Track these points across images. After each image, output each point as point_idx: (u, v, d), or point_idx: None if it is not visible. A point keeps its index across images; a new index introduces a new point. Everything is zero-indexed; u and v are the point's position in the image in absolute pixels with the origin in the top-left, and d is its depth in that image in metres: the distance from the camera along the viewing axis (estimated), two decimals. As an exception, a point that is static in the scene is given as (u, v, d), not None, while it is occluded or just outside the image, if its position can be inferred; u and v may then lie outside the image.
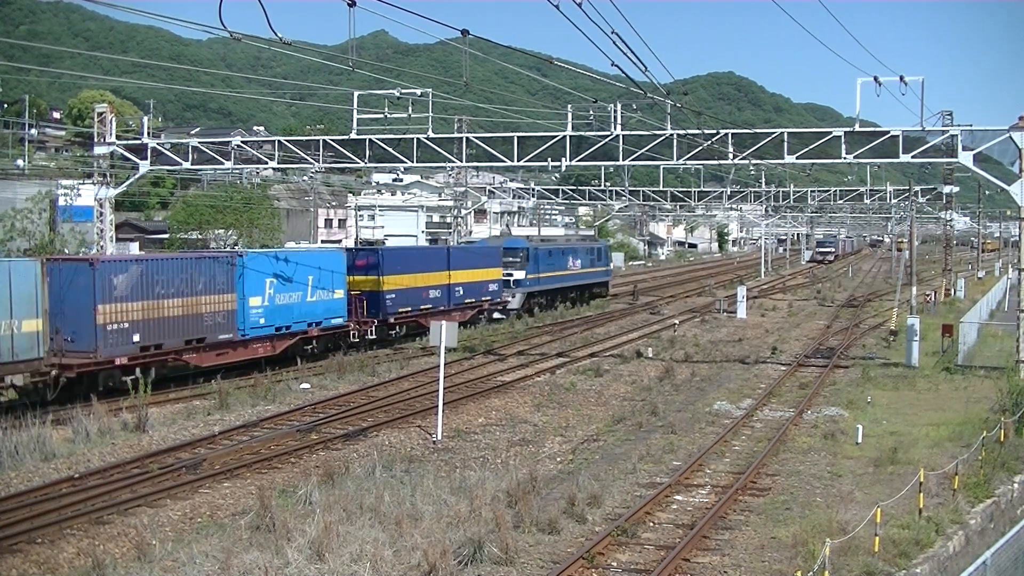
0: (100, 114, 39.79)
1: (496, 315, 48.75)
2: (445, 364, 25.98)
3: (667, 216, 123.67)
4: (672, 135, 33.19)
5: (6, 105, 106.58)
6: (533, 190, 76.93)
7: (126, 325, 27.45)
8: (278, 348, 33.76)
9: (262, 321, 32.69)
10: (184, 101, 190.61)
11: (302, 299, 34.46)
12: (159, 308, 28.53)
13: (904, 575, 14.45)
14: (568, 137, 33.87)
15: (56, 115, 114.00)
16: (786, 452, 22.38)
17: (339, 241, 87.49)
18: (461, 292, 44.54)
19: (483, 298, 46.82)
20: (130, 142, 40.73)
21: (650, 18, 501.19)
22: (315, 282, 35.05)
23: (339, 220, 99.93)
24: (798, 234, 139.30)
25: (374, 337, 38.44)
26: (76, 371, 26.42)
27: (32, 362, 25.00)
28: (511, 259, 50.24)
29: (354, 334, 37.47)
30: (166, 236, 70.52)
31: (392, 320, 39.75)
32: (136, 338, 27.81)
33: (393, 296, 39.52)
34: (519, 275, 50.70)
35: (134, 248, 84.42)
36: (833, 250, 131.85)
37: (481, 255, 47.77)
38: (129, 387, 26.86)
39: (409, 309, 40.74)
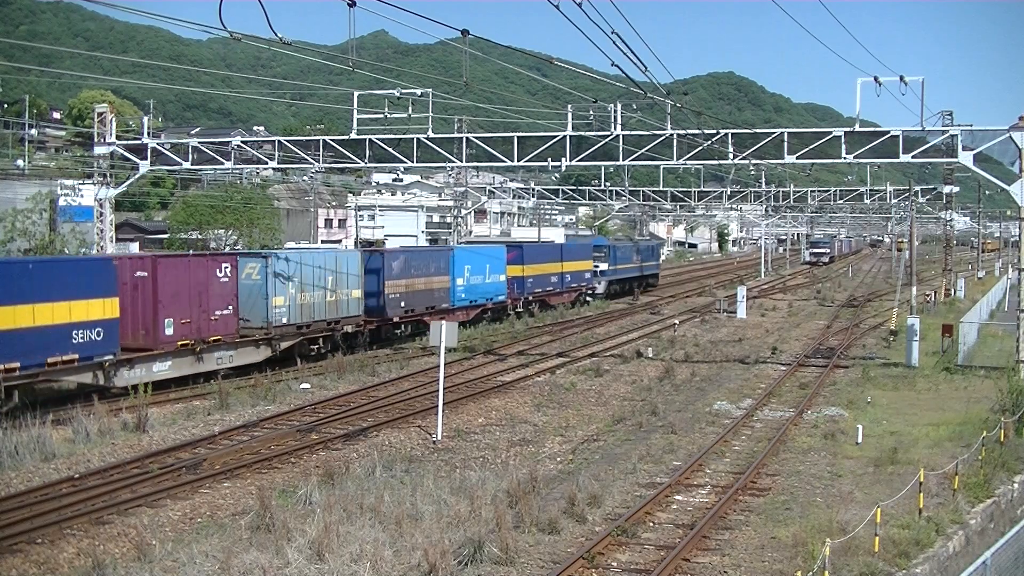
0: (100, 114, 39.76)
1: (588, 298, 61.10)
2: (445, 364, 25.99)
3: (667, 216, 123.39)
4: (672, 135, 33.16)
5: (6, 105, 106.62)
6: (533, 190, 76.89)
7: (397, 295, 40.17)
8: (471, 315, 46.14)
9: (463, 295, 45.24)
10: (184, 101, 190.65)
11: (483, 281, 47.14)
12: (413, 284, 41.24)
13: (904, 575, 14.45)
14: (568, 137, 33.84)
15: (56, 115, 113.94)
16: (786, 452, 22.38)
17: (339, 241, 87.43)
18: (569, 279, 57.41)
19: (581, 283, 59.67)
20: (130, 142, 40.71)
21: (650, 18, 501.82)
22: (490, 269, 47.60)
23: (339, 220, 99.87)
24: (798, 234, 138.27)
25: (521, 310, 51.04)
26: (375, 324, 39.04)
27: (356, 317, 37.69)
28: (597, 254, 62.68)
29: (510, 307, 50.18)
30: (166, 236, 70.46)
31: (531, 298, 52.34)
32: (403, 304, 40.55)
33: (532, 280, 52.40)
34: (603, 267, 63.16)
35: (134, 248, 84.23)
36: (828, 251, 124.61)
37: (580, 250, 60.61)
38: (397, 337, 41.33)
39: (540, 290, 53.69)
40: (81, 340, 25.83)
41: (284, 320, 33.53)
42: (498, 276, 48.27)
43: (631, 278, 68.98)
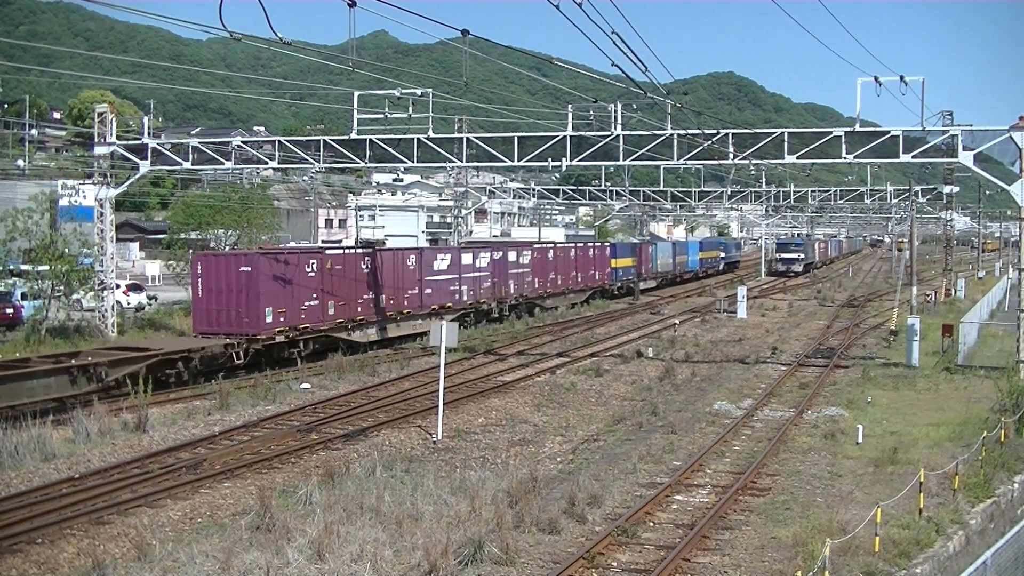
0: (100, 114, 39.74)
1: (717, 271, 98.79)
2: (445, 364, 25.98)
3: (667, 216, 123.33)
4: (672, 135, 33.14)
5: (6, 105, 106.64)
6: (533, 190, 76.90)
7: (679, 263, 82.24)
8: (686, 276, 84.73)
9: (686, 267, 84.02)
10: (184, 101, 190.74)
11: (692, 260, 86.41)
12: (680, 259, 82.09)
13: (904, 575, 14.45)
14: (568, 137, 33.82)
15: (56, 115, 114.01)
16: (786, 452, 22.38)
17: (339, 241, 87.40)
18: (715, 260, 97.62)
19: (717, 264, 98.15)
20: (130, 142, 40.68)
21: (650, 18, 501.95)
22: (694, 253, 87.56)
23: (339, 220, 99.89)
24: (797, 234, 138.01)
25: (702, 276, 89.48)
26: (674, 278, 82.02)
27: (671, 272, 79.38)
28: (719, 247, 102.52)
29: (696, 275, 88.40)
30: (165, 236, 70.45)
31: (704, 270, 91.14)
32: (678, 268, 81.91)
33: (704, 260, 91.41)
34: (722, 255, 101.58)
35: (134, 248, 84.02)
36: (801, 256, 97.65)
37: (714, 245, 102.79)
38: (674, 284, 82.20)
39: (708, 267, 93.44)
40: (622, 274, 65.88)
41: (662, 270, 75.09)
42: (696, 257, 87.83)
43: (731, 262, 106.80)
